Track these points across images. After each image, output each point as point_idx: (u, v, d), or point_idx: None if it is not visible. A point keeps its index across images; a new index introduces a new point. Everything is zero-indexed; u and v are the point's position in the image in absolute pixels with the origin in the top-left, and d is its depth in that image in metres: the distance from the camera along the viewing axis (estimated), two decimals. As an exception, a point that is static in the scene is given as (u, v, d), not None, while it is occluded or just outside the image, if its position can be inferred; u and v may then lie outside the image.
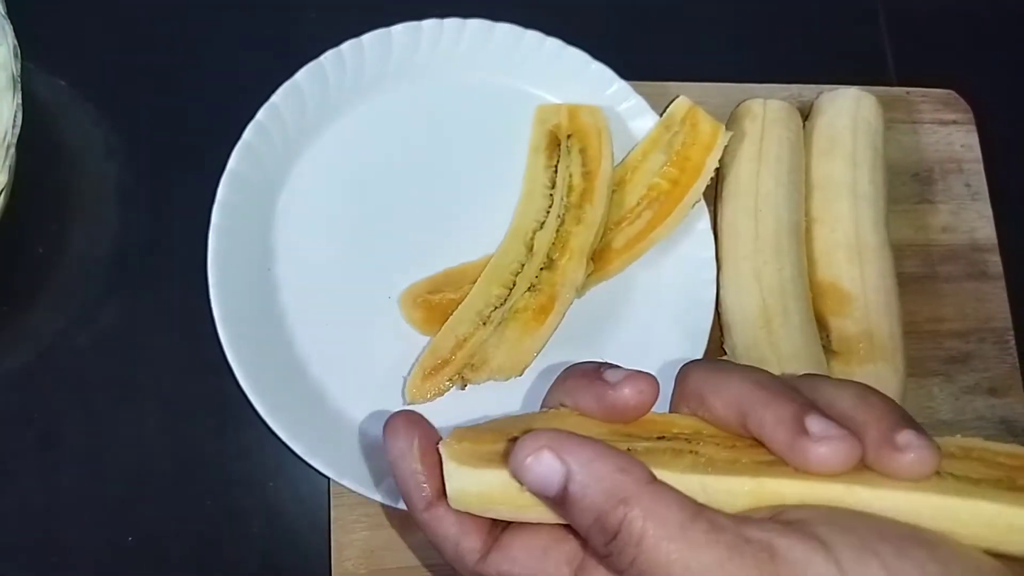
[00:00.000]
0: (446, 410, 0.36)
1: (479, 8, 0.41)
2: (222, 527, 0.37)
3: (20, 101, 0.34)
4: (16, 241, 0.38)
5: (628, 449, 0.23)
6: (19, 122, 0.34)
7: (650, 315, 0.40)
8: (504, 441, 0.24)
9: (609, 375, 0.24)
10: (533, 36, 0.41)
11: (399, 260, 0.39)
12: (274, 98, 0.38)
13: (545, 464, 0.21)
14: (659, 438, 0.24)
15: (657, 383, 0.24)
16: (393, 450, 0.25)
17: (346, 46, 0.39)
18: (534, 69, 0.42)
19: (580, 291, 0.38)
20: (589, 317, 0.40)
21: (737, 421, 0.23)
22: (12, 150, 0.34)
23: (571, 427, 0.23)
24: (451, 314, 0.37)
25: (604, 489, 0.21)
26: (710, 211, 0.41)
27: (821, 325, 0.40)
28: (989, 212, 0.47)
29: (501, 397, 0.37)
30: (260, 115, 0.38)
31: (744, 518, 0.21)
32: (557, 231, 0.39)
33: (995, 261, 0.47)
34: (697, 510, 0.20)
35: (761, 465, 0.23)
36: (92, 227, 0.40)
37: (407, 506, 0.27)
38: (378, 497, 0.35)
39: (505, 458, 0.22)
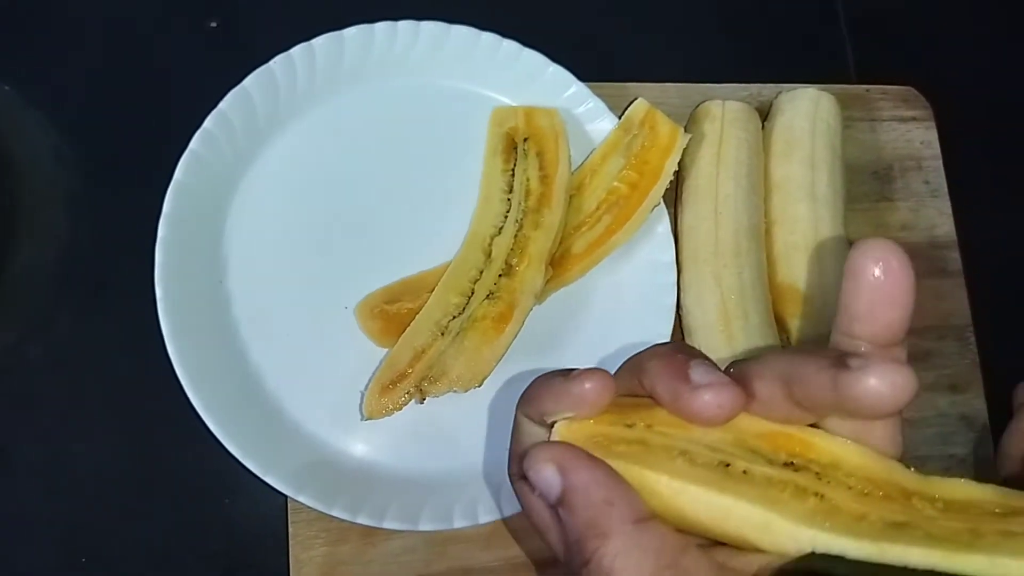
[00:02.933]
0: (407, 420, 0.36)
1: (434, 10, 0.40)
2: (178, 545, 0.37)
3: (-46, 112, 0.33)
4: (-42, 256, 0.37)
5: (744, 472, 0.21)
6: (-47, 134, 0.33)
7: (611, 320, 0.40)
8: (621, 426, 0.23)
9: (695, 373, 0.22)
10: (489, 38, 0.41)
11: (355, 270, 0.38)
12: (222, 105, 0.37)
13: (546, 477, 0.22)
14: (787, 464, 0.21)
15: (744, 401, 0.22)
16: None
17: (296, 50, 0.38)
18: (491, 72, 0.41)
19: (540, 298, 0.38)
20: (549, 324, 0.39)
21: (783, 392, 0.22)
22: (-53, 165, 0.33)
23: (686, 431, 0.22)
24: (409, 325, 0.37)
25: (587, 517, 0.21)
26: (670, 214, 0.41)
27: (781, 326, 0.40)
28: (948, 209, 0.47)
29: (460, 410, 0.37)
30: (207, 123, 0.37)
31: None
32: (515, 237, 0.38)
33: (954, 258, 0.47)
34: (675, 559, 0.20)
35: (889, 528, 0.20)
36: (40, 239, 0.39)
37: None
38: (336, 513, 0.34)
39: (612, 446, 0.22)
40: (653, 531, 0.21)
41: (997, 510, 0.21)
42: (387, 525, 0.35)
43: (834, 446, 0.22)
